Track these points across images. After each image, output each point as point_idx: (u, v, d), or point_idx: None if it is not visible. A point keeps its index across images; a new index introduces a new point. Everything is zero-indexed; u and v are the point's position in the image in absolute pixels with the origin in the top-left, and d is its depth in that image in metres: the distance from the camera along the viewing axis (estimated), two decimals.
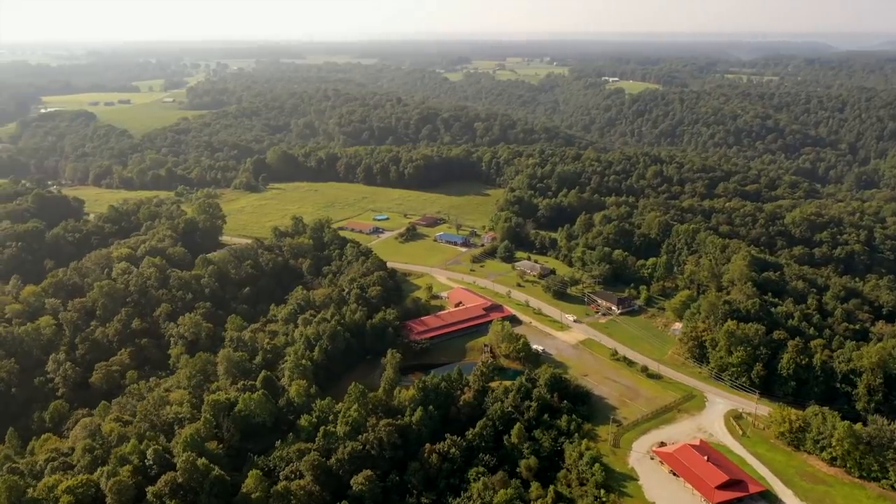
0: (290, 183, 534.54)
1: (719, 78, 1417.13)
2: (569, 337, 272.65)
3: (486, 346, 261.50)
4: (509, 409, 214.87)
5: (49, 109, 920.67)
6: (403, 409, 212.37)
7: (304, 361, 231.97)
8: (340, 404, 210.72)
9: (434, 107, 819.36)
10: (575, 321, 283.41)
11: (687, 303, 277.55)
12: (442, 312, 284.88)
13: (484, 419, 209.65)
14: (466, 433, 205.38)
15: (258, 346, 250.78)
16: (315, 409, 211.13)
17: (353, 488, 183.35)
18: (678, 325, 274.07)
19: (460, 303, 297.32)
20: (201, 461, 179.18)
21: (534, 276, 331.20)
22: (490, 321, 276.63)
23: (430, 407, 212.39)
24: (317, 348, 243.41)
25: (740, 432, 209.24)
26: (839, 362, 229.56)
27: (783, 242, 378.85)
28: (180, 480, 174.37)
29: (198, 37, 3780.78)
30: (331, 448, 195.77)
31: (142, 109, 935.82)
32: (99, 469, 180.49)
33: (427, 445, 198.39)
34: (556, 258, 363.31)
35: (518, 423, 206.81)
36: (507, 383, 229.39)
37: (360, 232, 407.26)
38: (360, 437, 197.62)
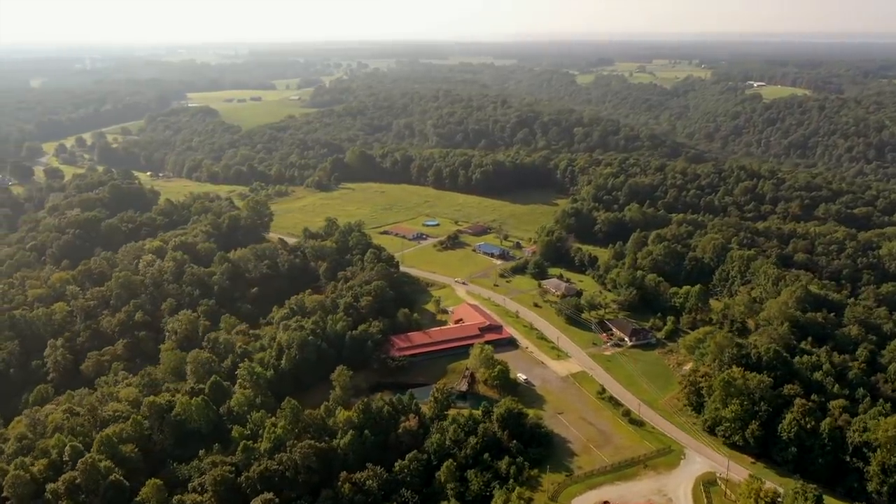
0: (362, 183, 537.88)
1: (885, 83, 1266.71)
2: (562, 367, 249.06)
3: (467, 370, 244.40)
4: (449, 442, 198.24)
5: (186, 105, 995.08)
6: (337, 431, 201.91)
7: (258, 369, 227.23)
8: (273, 419, 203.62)
9: (536, 109, 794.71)
10: (598, 346, 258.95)
11: (702, 340, 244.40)
12: (432, 329, 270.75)
13: (415, 451, 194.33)
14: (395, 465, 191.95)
15: (232, 348, 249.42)
16: (249, 420, 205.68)
17: None
18: (690, 366, 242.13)
19: (460, 320, 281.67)
20: (105, 463, 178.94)
21: (557, 295, 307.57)
22: (482, 343, 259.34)
23: (367, 432, 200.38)
24: (285, 356, 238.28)
25: (705, 502, 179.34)
26: (853, 431, 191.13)
27: (871, 277, 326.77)
28: (78, 481, 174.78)
29: (356, 37, 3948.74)
30: (250, 464, 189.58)
31: (262, 106, 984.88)
32: (18, 459, 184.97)
33: (343, 474, 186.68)
34: (594, 278, 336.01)
35: (449, 461, 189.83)
36: (469, 412, 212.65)
37: (403, 237, 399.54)
38: (275, 456, 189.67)
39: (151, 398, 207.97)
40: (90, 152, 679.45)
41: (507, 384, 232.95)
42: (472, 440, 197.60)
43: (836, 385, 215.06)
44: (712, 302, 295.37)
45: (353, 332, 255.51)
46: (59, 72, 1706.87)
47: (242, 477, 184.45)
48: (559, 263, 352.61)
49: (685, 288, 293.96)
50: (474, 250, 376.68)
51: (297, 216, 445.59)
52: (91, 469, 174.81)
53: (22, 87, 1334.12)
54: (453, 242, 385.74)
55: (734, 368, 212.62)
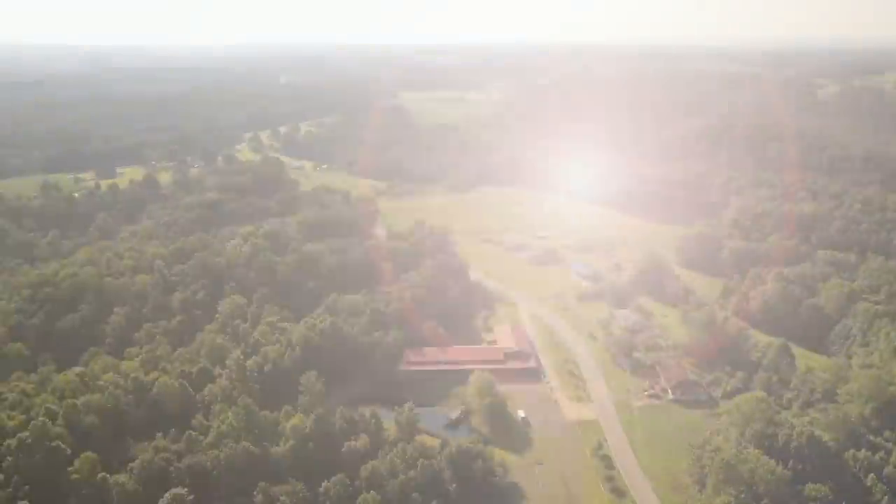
0: (501, 188, 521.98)
1: None
2: (574, 411, 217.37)
3: (466, 398, 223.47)
4: (385, 472, 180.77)
5: (390, 102, 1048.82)
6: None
7: (249, 362, 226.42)
8: (229, 413, 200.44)
9: (729, 122, 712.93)
10: (634, 394, 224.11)
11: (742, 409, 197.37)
12: (452, 347, 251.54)
13: (342, 475, 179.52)
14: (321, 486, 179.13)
15: (246, 337, 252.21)
16: (214, 410, 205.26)
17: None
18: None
19: (495, 341, 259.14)
20: (56, 430, 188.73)
21: (622, 329, 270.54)
22: (502, 369, 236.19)
23: (311, 444, 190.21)
24: (287, 354, 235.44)
25: None
26: None
27: None
28: (28, 441, 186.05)
29: (587, 38, 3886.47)
30: (187, 455, 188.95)
31: (457, 105, 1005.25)
32: (5, 413, 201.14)
33: (261, 484, 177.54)
34: (682, 314, 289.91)
35: (373, 493, 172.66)
36: (436, 444, 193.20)
37: (503, 247, 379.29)
38: (209, 452, 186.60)
39: (134, 375, 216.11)
40: (278, 142, 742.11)
41: (499, 420, 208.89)
42: (411, 474, 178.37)
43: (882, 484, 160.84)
44: (804, 362, 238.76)
45: (367, 338, 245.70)
46: (309, 69, 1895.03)
47: (173, 467, 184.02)
48: (652, 293, 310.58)
49: (768, 341, 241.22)
50: (567, 268, 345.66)
51: (416, 215, 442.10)
52: (39, 432, 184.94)
53: (272, 82, 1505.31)
54: (550, 258, 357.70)
55: (751, 449, 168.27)
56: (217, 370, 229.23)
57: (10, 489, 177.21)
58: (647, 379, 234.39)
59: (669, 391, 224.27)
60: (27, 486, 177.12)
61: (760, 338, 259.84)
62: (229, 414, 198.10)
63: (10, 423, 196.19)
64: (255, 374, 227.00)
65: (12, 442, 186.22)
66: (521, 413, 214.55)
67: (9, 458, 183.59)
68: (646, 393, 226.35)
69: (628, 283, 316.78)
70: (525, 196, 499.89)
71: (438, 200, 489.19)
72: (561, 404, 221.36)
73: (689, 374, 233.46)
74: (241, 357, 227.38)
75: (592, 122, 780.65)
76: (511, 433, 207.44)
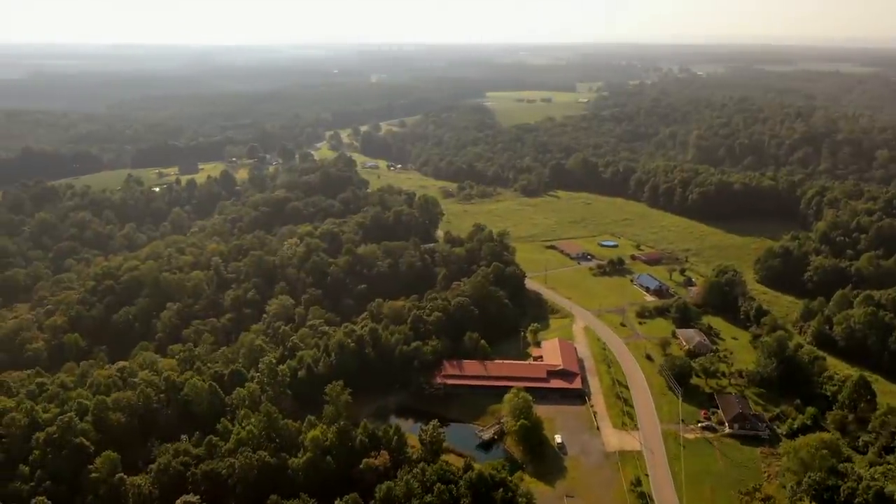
0: (574, 192, 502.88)
1: None
2: (616, 440, 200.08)
3: (502, 416, 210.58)
4: (399, 494, 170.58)
5: (480, 103, 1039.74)
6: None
7: (282, 367, 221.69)
8: (251, 420, 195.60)
9: (833, 127, 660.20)
10: (686, 425, 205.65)
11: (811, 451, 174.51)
12: (493, 361, 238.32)
13: (355, 494, 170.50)
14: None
15: (283, 340, 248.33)
16: (238, 415, 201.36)
17: None
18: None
19: (540, 357, 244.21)
20: (83, 425, 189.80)
21: (684, 350, 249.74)
22: (544, 388, 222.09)
23: (329, 458, 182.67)
24: (322, 360, 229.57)
25: None
26: None
27: None
28: (56, 436, 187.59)
29: (690, 39, 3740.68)
30: (207, 459, 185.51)
31: (541, 108, 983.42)
32: (29, 403, 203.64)
33: (273, 497, 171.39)
34: (751, 337, 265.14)
35: None
36: (466, 465, 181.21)
37: (566, 255, 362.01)
38: (226, 459, 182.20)
39: (168, 374, 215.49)
40: (358, 140, 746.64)
41: (532, 444, 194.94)
42: (427, 498, 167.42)
43: None
44: (888, 400, 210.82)
45: (405, 347, 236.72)
46: (399, 69, 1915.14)
47: (190, 472, 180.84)
48: (722, 312, 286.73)
49: (847, 371, 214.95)
50: (632, 281, 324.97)
51: (481, 218, 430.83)
52: (66, 427, 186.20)
53: (363, 81, 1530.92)
54: (614, 268, 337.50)
55: (807, 502, 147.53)
56: (252, 373, 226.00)
57: (33, 483, 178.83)
58: (703, 408, 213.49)
59: (726, 424, 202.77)
60: (48, 482, 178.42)
61: (840, 369, 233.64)
62: (252, 421, 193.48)
63: (44, 416, 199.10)
64: (288, 379, 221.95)
65: (41, 435, 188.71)
66: (559, 438, 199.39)
67: (35, 452, 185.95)
68: (699, 424, 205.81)
69: (696, 300, 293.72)
70: (600, 202, 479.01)
71: (507, 204, 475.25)
72: (603, 431, 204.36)
73: (751, 405, 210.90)
74: (274, 361, 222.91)
75: (682, 125, 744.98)
76: (545, 459, 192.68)
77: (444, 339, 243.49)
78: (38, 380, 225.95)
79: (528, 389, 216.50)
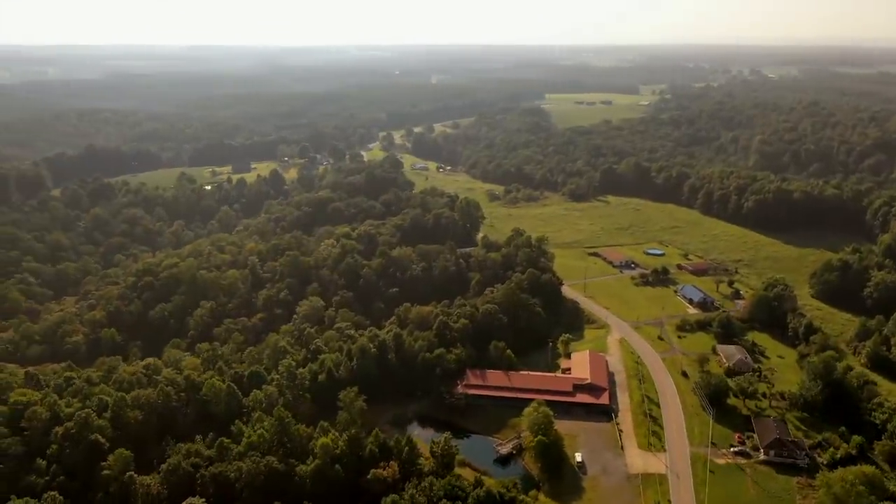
0: (625, 198, 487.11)
1: None
2: (641, 462, 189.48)
3: (521, 431, 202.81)
4: None
5: (538, 105, 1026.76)
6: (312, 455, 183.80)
7: (301, 371, 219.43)
8: (264, 424, 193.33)
9: None
10: (716, 448, 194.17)
11: (852, 483, 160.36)
12: (518, 372, 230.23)
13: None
14: None
15: (307, 342, 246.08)
16: (253, 418, 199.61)
17: None
18: None
19: (568, 369, 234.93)
20: (99, 422, 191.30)
21: (723, 367, 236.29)
22: (568, 403, 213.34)
23: (338, 466, 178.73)
24: (343, 365, 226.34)
25: None
26: None
27: None
28: (73, 431, 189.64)
29: (762, 41, 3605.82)
30: (217, 462, 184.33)
31: (598, 110, 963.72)
32: (52, 396, 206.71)
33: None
34: (798, 355, 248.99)
35: None
36: (494, 483, 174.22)
37: (609, 262, 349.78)
38: (234, 463, 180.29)
39: (187, 373, 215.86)
40: (410, 142, 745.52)
41: (550, 461, 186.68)
42: None
43: None
44: None
45: (428, 354, 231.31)
46: (461, 70, 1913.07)
47: (199, 474, 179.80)
48: (770, 328, 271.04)
49: None
50: (675, 292, 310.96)
51: (526, 223, 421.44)
52: (83, 423, 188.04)
53: (423, 82, 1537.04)
54: (657, 278, 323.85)
55: None
56: (273, 374, 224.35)
57: (48, 477, 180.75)
58: (738, 431, 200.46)
59: (761, 450, 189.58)
60: (62, 477, 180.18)
61: (894, 394, 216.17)
62: (264, 424, 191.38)
63: (66, 411, 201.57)
64: (307, 383, 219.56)
65: (60, 430, 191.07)
66: (579, 457, 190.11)
67: (53, 447, 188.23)
68: (732, 449, 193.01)
69: (743, 314, 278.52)
70: (650, 208, 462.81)
71: (553, 208, 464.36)
72: (627, 451, 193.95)
73: (790, 431, 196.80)
74: (294, 363, 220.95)
75: (745, 129, 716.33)
76: (562, 478, 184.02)
77: (468, 348, 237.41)
78: (67, 374, 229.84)
79: (552, 403, 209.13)
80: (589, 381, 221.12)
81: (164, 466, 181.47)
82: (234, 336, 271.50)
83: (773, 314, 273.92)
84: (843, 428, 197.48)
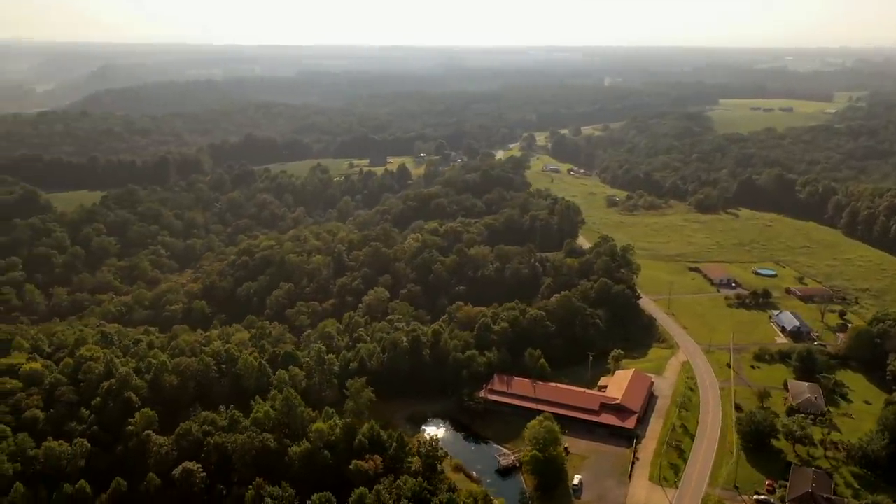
0: (760, 212, 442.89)
1: None
2: (645, 496, 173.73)
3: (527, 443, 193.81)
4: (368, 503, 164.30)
5: (703, 110, 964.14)
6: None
7: (330, 356, 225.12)
8: (277, 401, 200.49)
9: None
10: (739, 493, 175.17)
11: None
12: (545, 383, 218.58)
13: (326, 493, 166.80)
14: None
15: (352, 331, 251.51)
16: (270, 396, 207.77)
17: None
18: None
19: (605, 386, 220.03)
20: (137, 382, 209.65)
21: (786, 405, 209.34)
22: (591, 422, 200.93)
23: (327, 452, 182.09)
24: (375, 355, 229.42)
25: None
26: None
27: None
28: (114, 388, 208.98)
29: None
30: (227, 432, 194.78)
31: (772, 117, 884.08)
32: (109, 354, 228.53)
33: (257, 480, 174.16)
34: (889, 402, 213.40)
35: None
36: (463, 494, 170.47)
37: (708, 279, 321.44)
38: (234, 436, 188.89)
39: (230, 346, 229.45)
40: (551, 143, 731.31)
41: (545, 479, 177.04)
42: None
43: None
44: None
45: (459, 355, 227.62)
46: (638, 72, 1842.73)
47: (205, 441, 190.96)
48: (869, 369, 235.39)
49: None
50: (770, 317, 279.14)
51: (635, 231, 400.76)
52: (123, 381, 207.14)
53: (594, 84, 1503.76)
54: (755, 301, 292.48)
55: None
56: (304, 358, 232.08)
57: (85, 426, 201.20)
58: (771, 477, 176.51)
59: (787, 502, 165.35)
60: (96, 427, 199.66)
61: None
62: (275, 403, 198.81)
63: (122, 369, 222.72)
64: (336, 369, 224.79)
65: (105, 385, 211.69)
66: (577, 479, 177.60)
67: (97, 399, 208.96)
68: (756, 496, 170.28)
69: (839, 350, 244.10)
70: (783, 224, 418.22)
71: (672, 218, 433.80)
72: (634, 481, 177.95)
73: (835, 487, 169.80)
74: (324, 349, 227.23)
75: None
76: (552, 499, 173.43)
77: (503, 352, 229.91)
78: (137, 336, 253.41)
79: (573, 420, 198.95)
80: (619, 401, 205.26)
81: (178, 430, 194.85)
82: (300, 318, 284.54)
83: (875, 353, 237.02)
84: None
